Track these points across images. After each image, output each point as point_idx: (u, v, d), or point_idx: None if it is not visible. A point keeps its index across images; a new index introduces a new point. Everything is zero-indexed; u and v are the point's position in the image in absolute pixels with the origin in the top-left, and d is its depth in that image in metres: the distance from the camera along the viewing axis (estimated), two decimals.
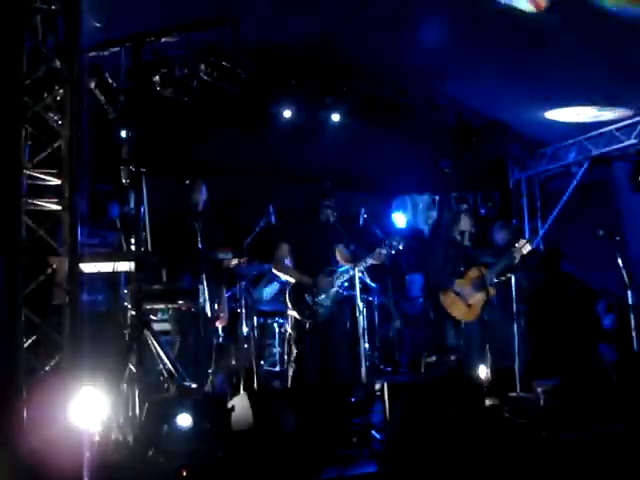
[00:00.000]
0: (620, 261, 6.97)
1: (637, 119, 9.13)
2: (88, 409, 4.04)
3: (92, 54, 5.12)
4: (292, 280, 6.46)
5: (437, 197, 11.74)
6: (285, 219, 7.50)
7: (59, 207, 4.08)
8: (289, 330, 6.57)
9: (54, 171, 4.12)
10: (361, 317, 5.92)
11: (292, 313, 6.42)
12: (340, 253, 6.56)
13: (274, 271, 6.67)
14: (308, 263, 6.48)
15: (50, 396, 3.97)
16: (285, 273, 6.57)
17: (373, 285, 8.49)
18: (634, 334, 6.88)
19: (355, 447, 5.11)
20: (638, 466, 4.99)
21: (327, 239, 6.47)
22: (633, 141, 9.18)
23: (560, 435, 5.20)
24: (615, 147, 9.58)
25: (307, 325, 6.32)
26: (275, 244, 6.62)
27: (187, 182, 6.65)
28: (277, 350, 8.09)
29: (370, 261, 6.37)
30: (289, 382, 6.41)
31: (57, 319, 4.02)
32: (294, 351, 6.39)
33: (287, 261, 6.57)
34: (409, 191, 11.77)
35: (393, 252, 6.44)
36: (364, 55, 8.61)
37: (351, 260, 6.34)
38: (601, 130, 9.68)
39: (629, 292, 6.90)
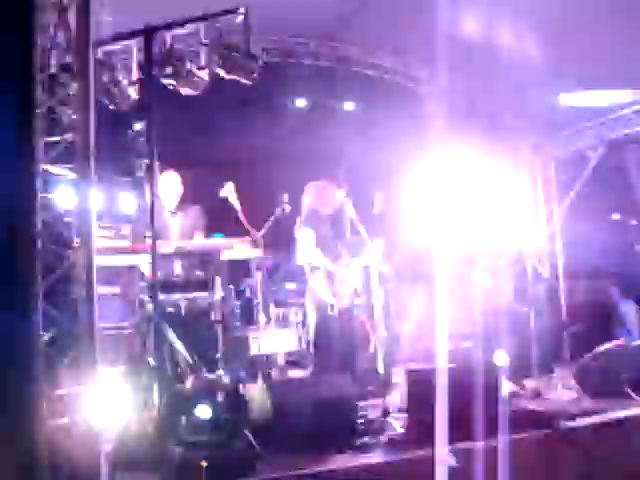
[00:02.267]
0: (636, 246, 6.92)
1: None
2: (107, 401, 4.07)
3: (104, 48, 5.13)
4: (318, 266, 6.47)
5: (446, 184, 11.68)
6: (300, 208, 7.50)
7: (75, 201, 4.10)
8: (312, 318, 6.58)
9: (69, 165, 4.13)
10: (377, 304, 5.90)
11: (313, 300, 6.42)
12: (348, 247, 6.56)
13: (300, 260, 6.64)
14: (331, 252, 6.49)
15: (69, 389, 4.01)
16: (313, 261, 6.54)
17: (385, 272, 8.47)
18: None
19: (373, 435, 5.11)
20: None
21: (343, 229, 6.46)
22: None
23: (576, 421, 5.18)
24: (632, 130, 9.48)
25: (335, 311, 6.35)
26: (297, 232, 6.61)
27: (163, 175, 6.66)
28: (295, 339, 8.09)
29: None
30: (311, 370, 6.45)
31: (74, 312, 4.05)
32: (317, 338, 6.43)
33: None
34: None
35: None
36: (375, 42, 8.58)
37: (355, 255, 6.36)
38: (617, 113, 9.58)
39: None
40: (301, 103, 9.17)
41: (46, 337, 3.97)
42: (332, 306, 6.35)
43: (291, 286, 8.93)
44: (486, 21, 7.61)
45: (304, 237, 6.56)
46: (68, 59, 4.19)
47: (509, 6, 7.31)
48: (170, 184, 6.64)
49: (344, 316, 6.40)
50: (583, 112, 9.76)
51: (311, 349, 6.47)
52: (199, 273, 5.85)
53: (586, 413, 5.43)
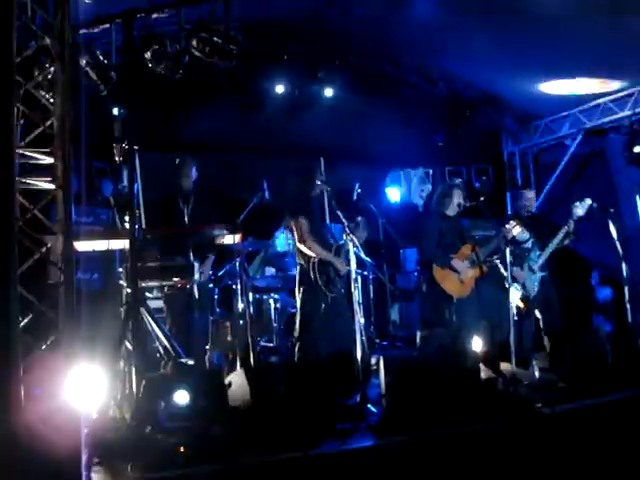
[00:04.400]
0: (614, 233, 6.96)
1: (631, 90, 9.10)
2: (85, 387, 4.05)
3: (83, 31, 5.08)
4: (315, 256, 6.49)
5: (431, 171, 11.73)
6: (280, 195, 7.48)
7: (52, 186, 4.06)
8: (298, 305, 6.60)
9: (47, 150, 4.09)
10: (356, 292, 5.91)
11: (314, 286, 6.45)
12: (332, 233, 6.59)
13: (299, 246, 6.60)
14: (320, 240, 6.52)
15: (47, 374, 3.98)
16: (313, 250, 6.53)
17: (367, 259, 8.50)
18: (628, 306, 6.89)
19: (352, 421, 5.13)
20: (633, 438, 5.04)
21: (322, 215, 6.46)
22: (627, 112, 9.15)
23: (554, 407, 5.23)
24: (609, 119, 9.55)
25: (329, 299, 6.40)
26: (293, 220, 6.60)
27: (177, 161, 6.63)
28: (274, 326, 8.10)
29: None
30: (296, 356, 6.48)
31: (52, 298, 4.02)
32: (305, 325, 6.46)
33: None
34: (403, 165, 11.75)
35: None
36: (356, 28, 8.56)
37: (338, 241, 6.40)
38: (595, 102, 9.65)
39: (623, 264, 6.91)
40: (280, 89, 9.13)
41: (23, 322, 3.95)
42: (332, 293, 6.39)
43: (270, 272, 8.94)
44: (468, 8, 7.62)
45: (303, 226, 6.56)
46: (47, 42, 4.14)
47: None
48: (184, 169, 6.59)
49: (341, 301, 6.43)
50: (562, 101, 9.82)
51: (300, 333, 6.49)
52: (179, 258, 5.82)
53: (564, 400, 5.48)
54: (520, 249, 7.52)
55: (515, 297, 7.22)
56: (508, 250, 6.60)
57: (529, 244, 7.53)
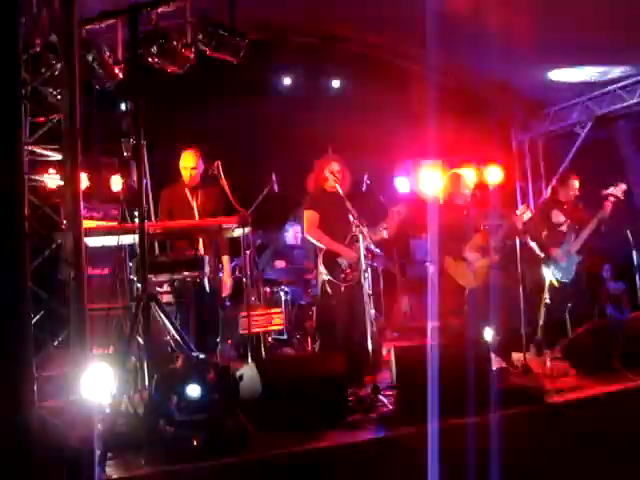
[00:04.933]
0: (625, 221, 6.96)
1: None
2: (97, 381, 4.07)
3: (88, 27, 5.09)
4: (323, 247, 6.51)
5: (440, 161, 11.69)
6: (288, 187, 7.49)
7: (61, 182, 4.08)
8: (318, 294, 6.63)
9: (55, 146, 4.11)
10: (366, 283, 5.91)
11: (324, 277, 6.45)
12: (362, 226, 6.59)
13: (308, 236, 6.64)
14: (331, 231, 6.52)
15: (59, 370, 4.01)
16: (321, 241, 6.54)
17: (378, 251, 8.49)
18: None
19: (363, 412, 5.14)
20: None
21: (340, 207, 6.44)
22: (637, 100, 9.10)
23: (566, 396, 5.22)
24: (619, 106, 9.50)
25: (342, 289, 6.38)
26: (300, 212, 6.64)
27: (184, 155, 6.62)
28: (283, 318, 8.11)
29: (381, 234, 6.44)
30: (316, 348, 6.50)
31: (63, 294, 4.04)
32: (319, 317, 6.48)
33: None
34: (411, 155, 11.71)
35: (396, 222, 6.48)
36: (364, 19, 8.53)
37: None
38: (604, 89, 9.59)
39: (634, 252, 6.89)
40: (287, 81, 9.13)
41: (35, 319, 3.97)
42: (343, 282, 6.39)
43: (281, 265, 8.95)
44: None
45: (311, 218, 6.58)
46: (52, 39, 4.15)
47: None
48: (188, 162, 6.59)
49: (353, 292, 6.43)
50: (572, 88, 9.77)
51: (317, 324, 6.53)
52: (189, 252, 5.83)
53: (575, 389, 5.47)
54: (556, 232, 7.53)
55: (550, 277, 7.22)
56: (545, 232, 6.66)
57: (564, 228, 7.53)
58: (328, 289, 6.47)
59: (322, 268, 6.49)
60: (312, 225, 6.58)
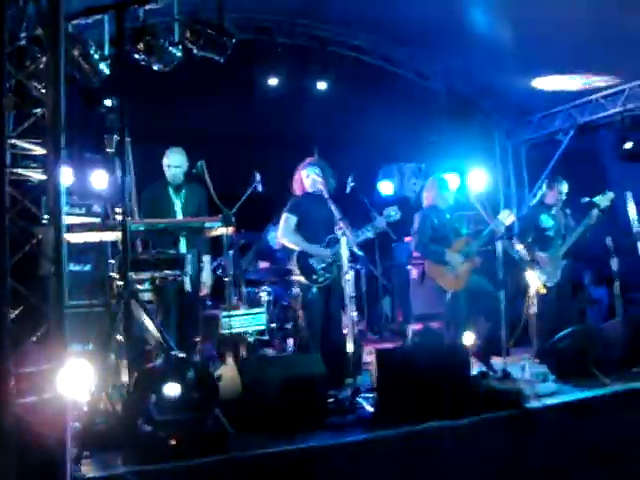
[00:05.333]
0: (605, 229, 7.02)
1: (623, 87, 9.12)
2: (75, 379, 4.04)
3: (75, 22, 5.06)
4: (297, 249, 6.55)
5: (424, 165, 11.74)
6: (272, 187, 7.47)
7: (44, 176, 4.05)
8: (295, 295, 6.65)
9: (38, 140, 4.07)
10: (348, 285, 5.91)
11: (298, 278, 6.48)
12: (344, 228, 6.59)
13: (281, 241, 6.73)
14: (311, 234, 6.55)
15: (37, 366, 3.97)
16: (294, 244, 6.59)
17: (360, 253, 8.50)
18: (619, 301, 6.94)
19: (343, 414, 5.14)
20: (621, 431, 5.07)
21: (323, 209, 6.43)
22: (618, 109, 9.17)
23: (543, 401, 5.25)
24: (601, 115, 9.57)
25: (314, 289, 6.40)
26: (275, 213, 6.65)
27: (168, 152, 6.60)
28: (265, 318, 8.09)
29: (369, 234, 6.45)
30: (294, 347, 6.51)
31: (43, 289, 4.01)
32: (300, 316, 6.49)
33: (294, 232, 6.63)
34: (396, 159, 11.75)
35: (391, 222, 6.51)
36: (351, 21, 8.55)
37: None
38: (587, 98, 9.66)
39: (614, 259, 6.94)
40: (273, 82, 9.11)
41: (13, 314, 3.94)
42: (315, 283, 6.40)
43: (264, 265, 8.93)
44: (461, 6, 7.64)
45: (287, 222, 6.64)
46: (39, 32, 4.12)
47: None
48: (174, 160, 6.57)
49: (327, 293, 6.45)
50: (555, 96, 9.83)
51: (297, 324, 6.55)
52: (171, 251, 5.80)
53: (554, 394, 5.50)
54: (543, 237, 7.57)
55: (536, 282, 7.26)
56: (532, 236, 6.75)
57: (552, 233, 7.58)
58: (302, 290, 6.51)
59: (296, 269, 6.53)
60: (286, 229, 6.65)
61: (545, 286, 7.30)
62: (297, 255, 6.55)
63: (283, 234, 6.67)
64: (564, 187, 7.72)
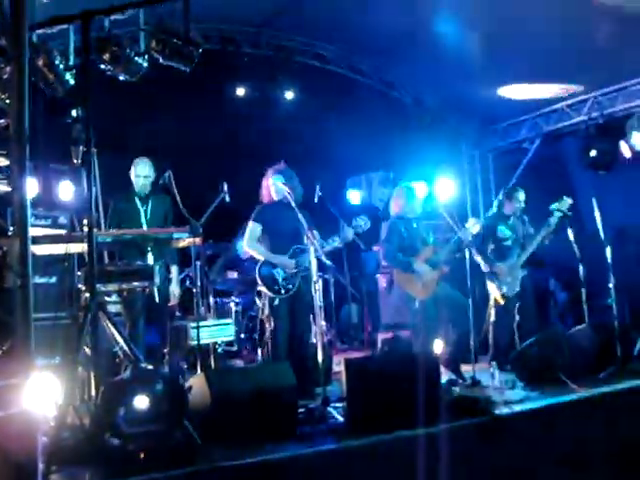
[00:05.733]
0: (571, 235, 7.08)
1: (587, 96, 9.25)
2: (42, 392, 3.99)
3: (40, 31, 5.01)
4: (262, 259, 6.51)
5: (391, 174, 11.79)
6: (240, 198, 7.46)
7: (8, 188, 4.00)
8: (260, 306, 6.63)
9: (2, 152, 4.03)
10: (317, 294, 5.90)
11: (262, 289, 6.46)
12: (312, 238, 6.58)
13: (246, 249, 6.71)
14: (276, 243, 6.53)
15: (3, 379, 3.91)
16: (258, 253, 6.58)
17: (329, 263, 8.50)
18: (585, 307, 7.02)
19: (313, 424, 5.13)
20: (588, 438, 5.11)
21: (289, 218, 6.42)
22: (583, 117, 9.31)
23: (512, 408, 5.28)
24: (566, 123, 9.72)
25: (276, 301, 6.38)
26: (243, 223, 6.62)
27: (135, 163, 6.57)
28: (234, 329, 8.06)
29: (337, 243, 6.45)
30: (262, 357, 6.48)
31: (9, 302, 3.96)
32: (266, 327, 6.46)
33: (258, 241, 6.61)
34: (364, 168, 11.80)
35: (360, 232, 6.52)
36: (318, 32, 8.58)
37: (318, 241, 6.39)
38: (552, 107, 9.80)
39: (580, 266, 7.01)
40: (241, 91, 9.11)
41: None
42: (278, 294, 6.38)
43: (232, 275, 8.91)
44: (427, 17, 7.70)
45: (252, 230, 6.62)
46: (2, 42, 4.07)
47: (447, 2, 7.43)
48: (142, 170, 6.52)
49: (292, 303, 6.43)
50: (521, 105, 9.94)
51: (265, 335, 6.51)
52: (139, 262, 5.75)
53: (522, 400, 5.53)
54: (501, 246, 7.63)
55: (495, 293, 7.32)
56: (490, 247, 6.83)
57: (510, 242, 7.64)
58: (266, 301, 6.49)
59: (259, 280, 6.51)
60: (251, 238, 6.64)
61: (504, 296, 7.36)
62: (259, 266, 6.53)
63: (247, 243, 6.66)
64: (522, 196, 7.79)
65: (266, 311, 6.52)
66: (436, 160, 10.82)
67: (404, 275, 7.18)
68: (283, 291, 6.42)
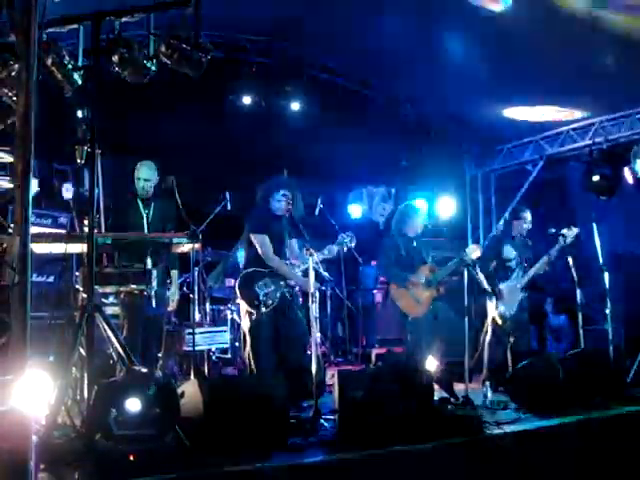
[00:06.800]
0: (571, 261, 7.08)
1: (592, 121, 9.29)
2: (35, 391, 3.98)
3: (50, 30, 5.02)
4: (286, 275, 6.39)
5: (393, 190, 11.82)
6: (241, 207, 7.46)
7: (11, 185, 4.00)
8: (242, 318, 6.56)
9: (7, 148, 4.03)
10: (313, 306, 5.88)
11: (240, 302, 6.41)
12: (291, 249, 6.54)
13: (269, 262, 6.37)
14: (278, 255, 6.45)
15: None
16: (280, 266, 6.39)
17: (325, 274, 8.51)
18: (581, 332, 7.01)
19: (304, 435, 5.11)
20: (580, 460, 5.10)
21: (282, 231, 6.42)
22: (588, 142, 9.34)
23: (504, 428, 5.26)
24: (570, 147, 9.74)
25: (254, 316, 6.28)
26: (249, 236, 6.49)
27: (138, 165, 6.57)
28: (229, 337, 8.06)
29: (322, 257, 6.39)
30: (247, 369, 6.41)
31: (6, 299, 3.95)
32: (248, 338, 6.40)
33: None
34: (365, 182, 11.82)
35: (345, 249, 6.48)
36: (326, 45, 8.61)
37: (298, 257, 6.35)
38: (557, 130, 9.83)
39: (578, 291, 7.01)
40: (247, 100, 9.14)
41: None
42: (257, 309, 6.31)
43: (230, 283, 8.90)
44: (433, 36, 7.74)
45: (265, 244, 6.40)
46: (12, 39, 4.08)
47: (454, 22, 7.46)
48: (145, 173, 6.52)
49: (275, 317, 6.34)
50: (525, 127, 9.97)
51: (247, 346, 6.41)
52: (138, 265, 5.75)
53: (514, 421, 5.52)
54: (505, 267, 7.63)
55: (493, 313, 7.31)
56: (493, 264, 6.82)
57: (513, 264, 7.64)
58: (248, 316, 6.36)
59: (238, 293, 6.40)
60: (269, 251, 6.39)
61: (502, 317, 7.35)
62: (240, 280, 6.40)
63: (270, 256, 6.37)
64: (529, 216, 7.79)
65: (247, 324, 6.40)
66: (438, 178, 10.85)
67: (399, 291, 7.19)
68: (263, 306, 6.28)
